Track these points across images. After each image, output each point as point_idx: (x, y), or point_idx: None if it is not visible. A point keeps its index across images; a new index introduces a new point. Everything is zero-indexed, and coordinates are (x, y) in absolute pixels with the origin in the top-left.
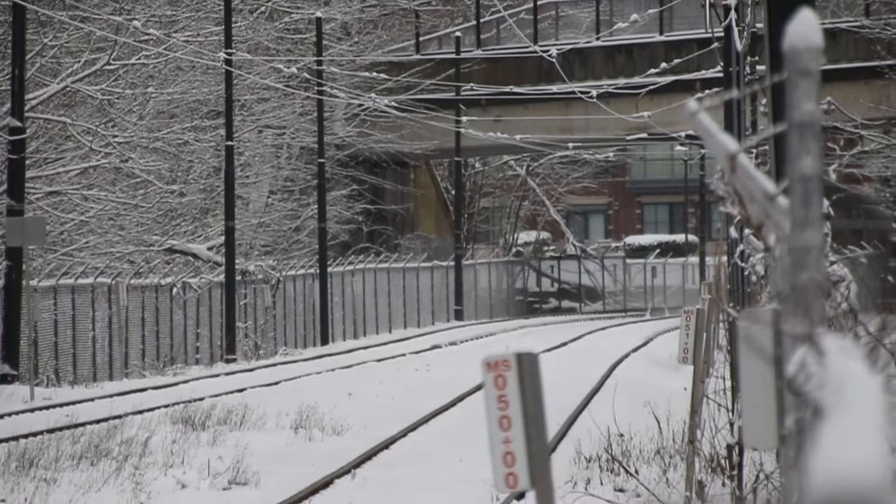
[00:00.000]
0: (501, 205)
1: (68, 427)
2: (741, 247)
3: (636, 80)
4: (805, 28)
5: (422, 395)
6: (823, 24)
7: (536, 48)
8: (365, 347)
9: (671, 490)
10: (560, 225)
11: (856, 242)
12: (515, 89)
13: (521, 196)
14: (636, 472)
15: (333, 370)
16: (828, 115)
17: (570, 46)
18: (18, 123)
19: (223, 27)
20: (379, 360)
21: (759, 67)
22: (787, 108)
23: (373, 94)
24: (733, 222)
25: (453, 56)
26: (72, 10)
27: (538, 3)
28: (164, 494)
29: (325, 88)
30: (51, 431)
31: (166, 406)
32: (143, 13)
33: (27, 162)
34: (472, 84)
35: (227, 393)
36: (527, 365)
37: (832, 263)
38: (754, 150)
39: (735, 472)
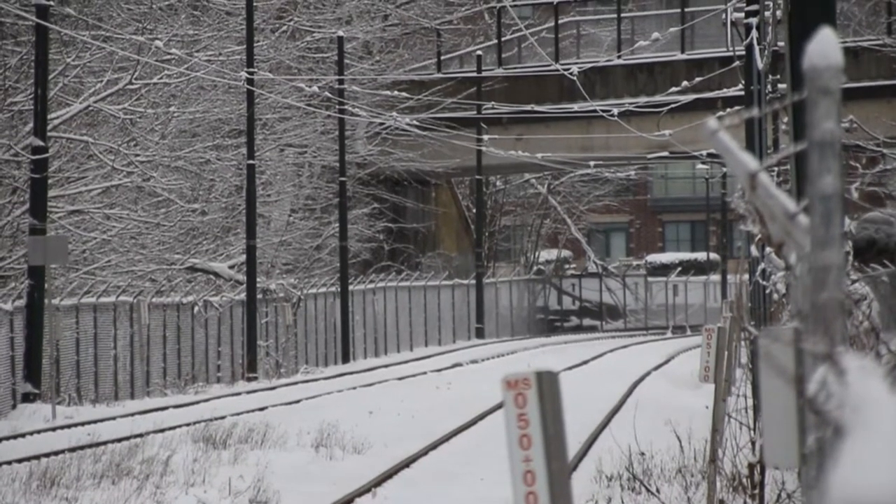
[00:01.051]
0: (523, 223)
1: (90, 446)
2: (762, 265)
3: (657, 98)
4: (825, 47)
5: (443, 413)
6: (845, 42)
7: (558, 66)
8: (386, 366)
9: None
10: (581, 243)
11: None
12: (537, 108)
13: (542, 214)
14: (657, 490)
15: (354, 388)
16: (850, 133)
17: (591, 65)
18: (41, 143)
19: (245, 46)
20: (400, 379)
21: (780, 86)
22: (807, 126)
23: (394, 113)
24: (754, 241)
25: (475, 74)
26: (94, 29)
27: (559, 21)
28: None
29: (346, 107)
30: (72, 450)
31: (188, 424)
32: (165, 33)
33: (49, 181)
34: (493, 102)
35: (248, 411)
36: (547, 383)
37: (854, 282)
38: (776, 169)
39: (757, 491)
